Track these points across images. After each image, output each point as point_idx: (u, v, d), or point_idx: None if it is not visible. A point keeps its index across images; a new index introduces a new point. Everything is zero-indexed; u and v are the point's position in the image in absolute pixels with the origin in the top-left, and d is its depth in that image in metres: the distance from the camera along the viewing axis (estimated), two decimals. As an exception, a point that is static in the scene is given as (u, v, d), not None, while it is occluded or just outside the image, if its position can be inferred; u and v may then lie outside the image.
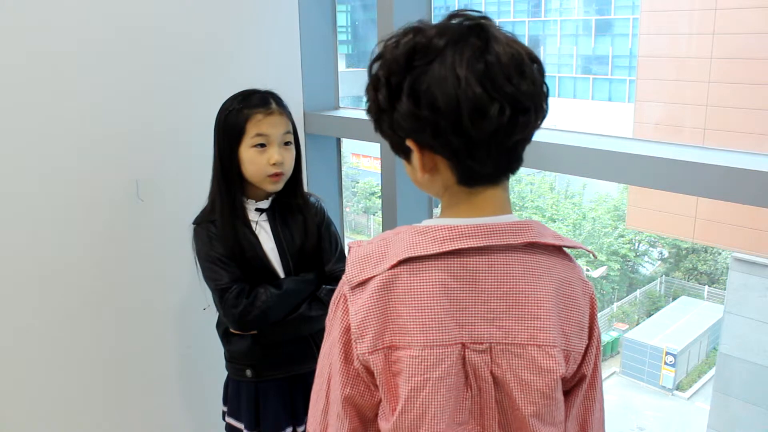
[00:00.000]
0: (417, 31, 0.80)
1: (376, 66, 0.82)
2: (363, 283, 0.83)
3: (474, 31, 0.79)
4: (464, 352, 0.82)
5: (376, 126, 0.86)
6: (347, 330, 0.83)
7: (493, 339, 0.82)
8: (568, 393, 0.91)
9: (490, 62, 0.77)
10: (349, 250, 0.88)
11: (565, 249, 0.89)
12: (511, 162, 0.85)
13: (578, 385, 0.90)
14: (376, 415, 0.87)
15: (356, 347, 0.83)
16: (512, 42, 0.80)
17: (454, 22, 0.80)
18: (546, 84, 0.83)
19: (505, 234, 0.82)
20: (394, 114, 0.81)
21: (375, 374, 0.83)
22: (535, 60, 0.81)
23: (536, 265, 0.84)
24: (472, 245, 0.81)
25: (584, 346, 0.88)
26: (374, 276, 0.82)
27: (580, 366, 0.89)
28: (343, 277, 0.87)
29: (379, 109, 0.83)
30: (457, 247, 0.81)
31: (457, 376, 0.83)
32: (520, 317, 0.83)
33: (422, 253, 0.81)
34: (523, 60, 0.79)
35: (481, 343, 0.82)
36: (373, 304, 0.82)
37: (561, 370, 0.84)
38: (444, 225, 0.82)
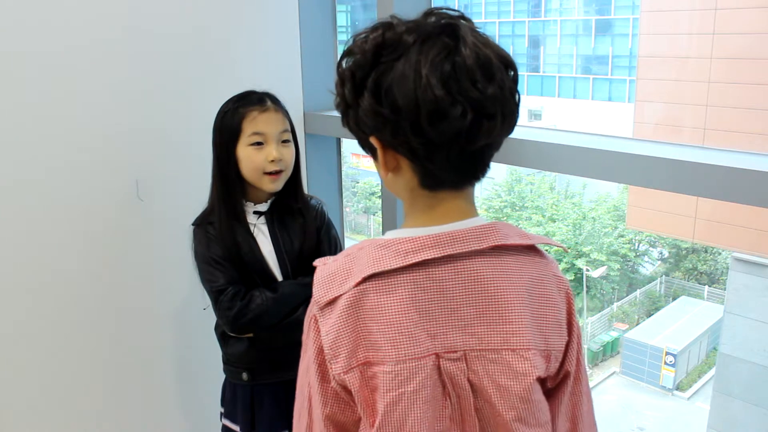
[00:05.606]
0: (387, 26, 0.78)
1: (344, 61, 0.81)
2: (331, 303, 0.82)
3: (446, 31, 0.76)
4: (439, 362, 0.81)
5: (344, 121, 0.84)
6: (320, 351, 0.82)
7: (466, 346, 0.81)
8: (554, 390, 0.90)
9: (457, 63, 0.74)
10: (315, 270, 0.86)
11: (536, 246, 0.87)
12: (477, 169, 0.83)
13: (563, 381, 0.89)
14: (359, 429, 0.86)
15: (331, 368, 0.81)
16: (485, 45, 0.77)
17: (429, 20, 0.78)
18: (518, 92, 0.80)
19: (468, 240, 0.81)
20: (359, 110, 0.79)
21: (353, 392, 0.81)
22: (509, 65, 0.79)
23: (504, 267, 0.83)
24: (436, 255, 0.79)
25: (564, 342, 0.87)
26: (341, 295, 0.81)
27: (562, 363, 0.87)
28: (312, 298, 0.85)
29: (345, 104, 0.82)
30: (420, 259, 0.79)
31: (434, 386, 0.81)
32: (491, 322, 0.81)
33: (386, 268, 0.79)
34: (492, 64, 0.76)
35: (455, 352, 0.81)
36: (343, 323, 0.80)
37: (537, 373, 0.83)
38: (405, 237, 0.81)
